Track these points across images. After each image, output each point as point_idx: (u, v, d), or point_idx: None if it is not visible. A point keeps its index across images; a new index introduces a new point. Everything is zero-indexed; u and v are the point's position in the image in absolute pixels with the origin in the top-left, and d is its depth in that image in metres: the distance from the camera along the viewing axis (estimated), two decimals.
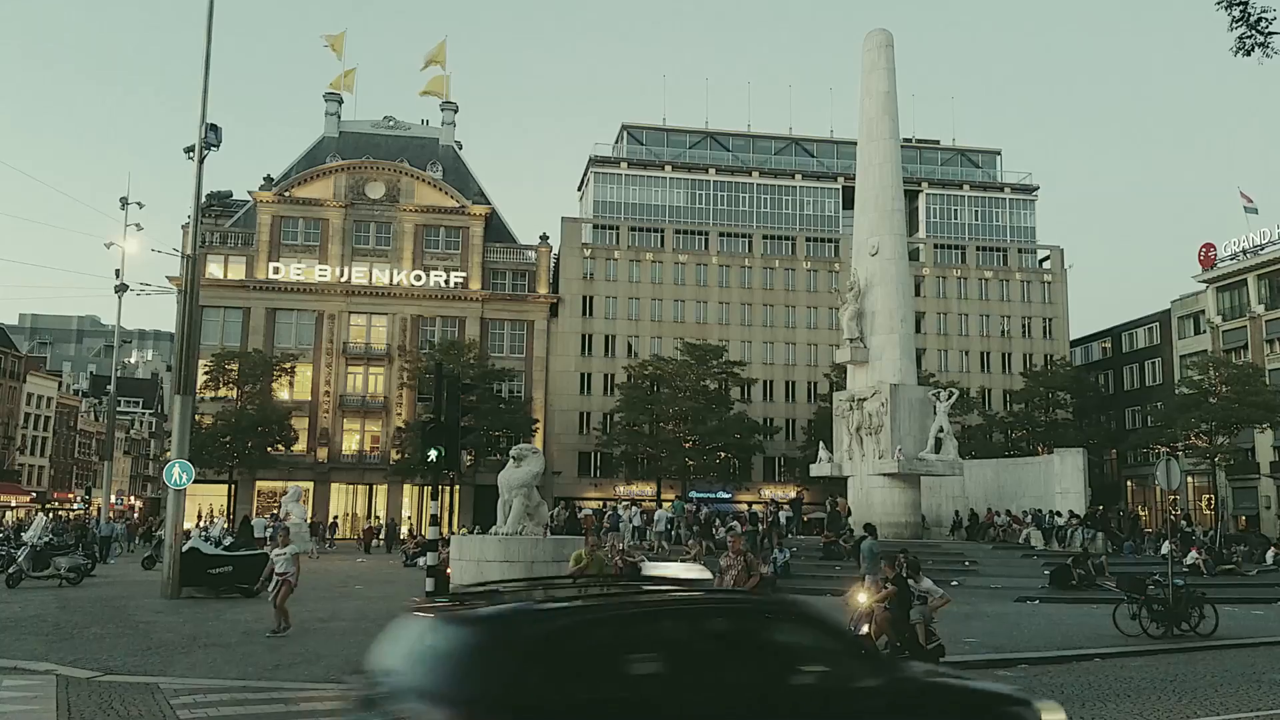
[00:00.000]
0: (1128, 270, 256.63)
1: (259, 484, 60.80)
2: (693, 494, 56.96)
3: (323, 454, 63.63)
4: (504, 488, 20.49)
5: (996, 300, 74.76)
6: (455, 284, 66.28)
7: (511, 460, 20.65)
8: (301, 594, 23.07)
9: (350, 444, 65.27)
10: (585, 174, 78.60)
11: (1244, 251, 64.55)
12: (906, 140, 64.68)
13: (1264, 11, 8.39)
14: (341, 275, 65.27)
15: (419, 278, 65.87)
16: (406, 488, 62.24)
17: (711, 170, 76.86)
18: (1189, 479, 60.44)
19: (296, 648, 14.28)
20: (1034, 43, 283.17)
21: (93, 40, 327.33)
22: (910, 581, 13.20)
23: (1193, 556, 30.17)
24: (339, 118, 71.51)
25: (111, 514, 53.97)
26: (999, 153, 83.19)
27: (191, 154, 24.02)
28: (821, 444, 37.91)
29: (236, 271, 65.00)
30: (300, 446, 61.22)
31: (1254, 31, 8.39)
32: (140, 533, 48.31)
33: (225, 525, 45.45)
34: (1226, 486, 62.53)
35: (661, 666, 5.30)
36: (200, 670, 12.39)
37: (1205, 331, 67.18)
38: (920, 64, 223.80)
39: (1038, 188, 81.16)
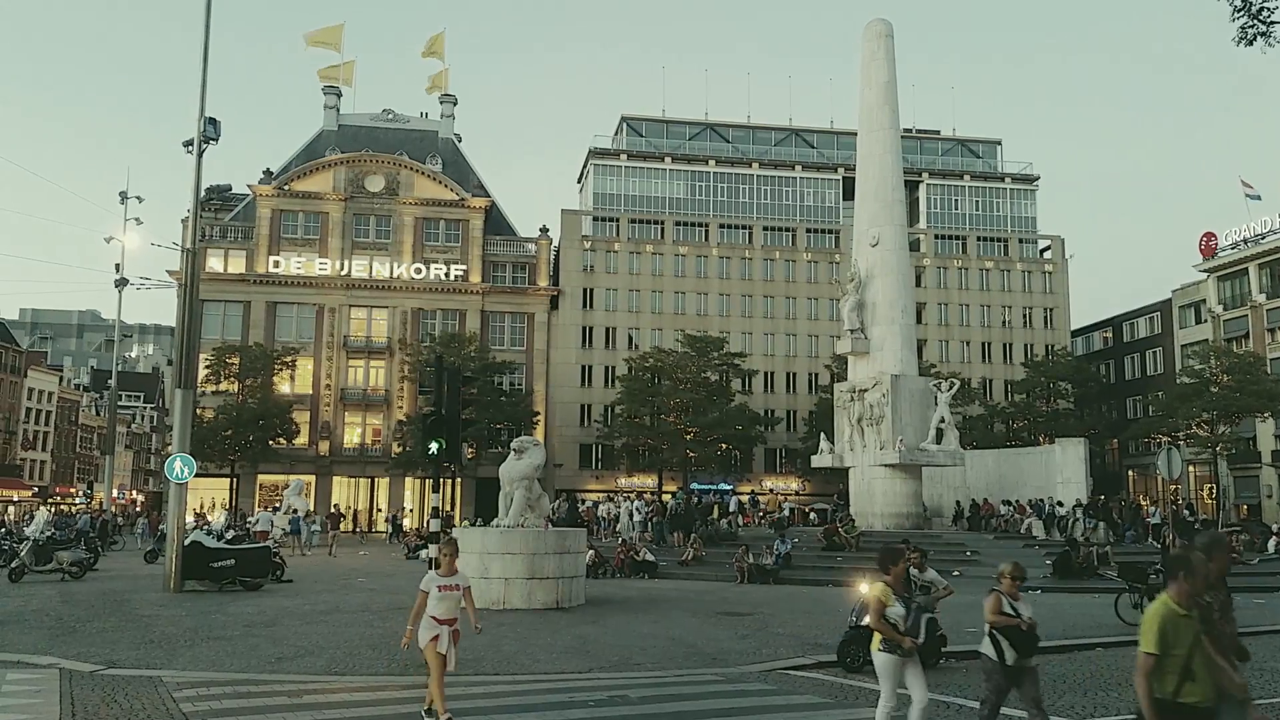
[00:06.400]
0: (1129, 259, 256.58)
1: (260, 478, 60.92)
2: (694, 485, 57.06)
3: (324, 447, 63.71)
4: (505, 480, 20.46)
5: (997, 290, 74.71)
6: (455, 277, 66.25)
7: (513, 452, 20.61)
8: (305, 586, 23.25)
9: (351, 437, 65.35)
10: (585, 166, 78.47)
11: (1245, 240, 64.48)
12: (907, 130, 64.57)
13: (1265, 1, 8.38)
14: (341, 269, 65.24)
15: (419, 271, 65.85)
16: (408, 480, 62.32)
17: (711, 161, 76.77)
18: (1190, 468, 60.45)
19: (300, 640, 14.31)
20: (1034, 32, 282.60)
21: (91, 34, 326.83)
22: (914, 572, 13.18)
23: None
24: (338, 111, 71.33)
25: (114, 507, 54.01)
26: (999, 143, 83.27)
27: (190, 148, 23.93)
28: (823, 435, 37.92)
29: (236, 265, 64.99)
30: (301, 440, 61.26)
31: (1256, 21, 8.39)
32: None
33: (225, 518, 45.44)
34: (1228, 475, 62.54)
35: None
36: (203, 663, 12.41)
37: (1206, 321, 67.09)
38: (920, 54, 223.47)
39: (1038, 178, 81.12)
